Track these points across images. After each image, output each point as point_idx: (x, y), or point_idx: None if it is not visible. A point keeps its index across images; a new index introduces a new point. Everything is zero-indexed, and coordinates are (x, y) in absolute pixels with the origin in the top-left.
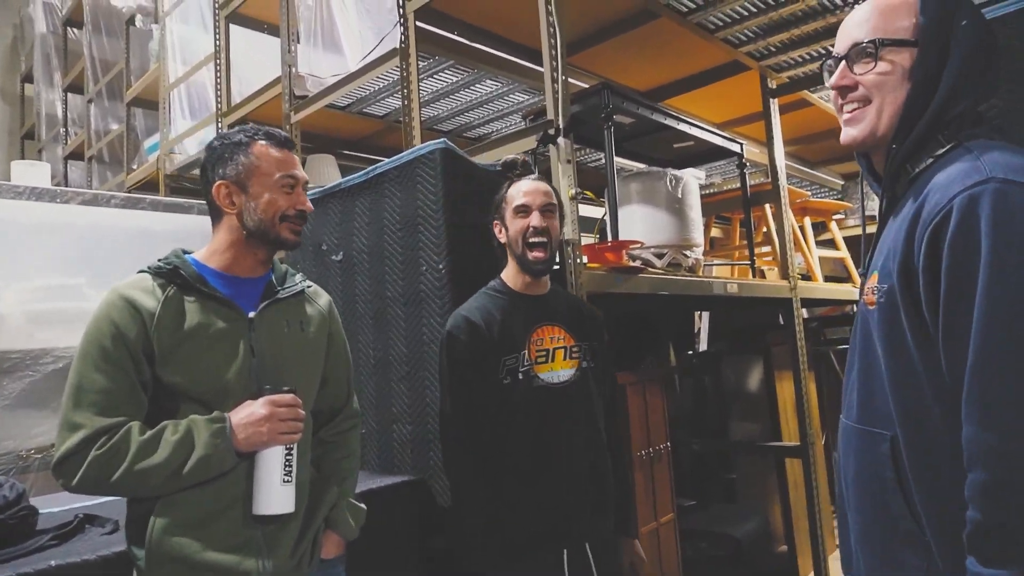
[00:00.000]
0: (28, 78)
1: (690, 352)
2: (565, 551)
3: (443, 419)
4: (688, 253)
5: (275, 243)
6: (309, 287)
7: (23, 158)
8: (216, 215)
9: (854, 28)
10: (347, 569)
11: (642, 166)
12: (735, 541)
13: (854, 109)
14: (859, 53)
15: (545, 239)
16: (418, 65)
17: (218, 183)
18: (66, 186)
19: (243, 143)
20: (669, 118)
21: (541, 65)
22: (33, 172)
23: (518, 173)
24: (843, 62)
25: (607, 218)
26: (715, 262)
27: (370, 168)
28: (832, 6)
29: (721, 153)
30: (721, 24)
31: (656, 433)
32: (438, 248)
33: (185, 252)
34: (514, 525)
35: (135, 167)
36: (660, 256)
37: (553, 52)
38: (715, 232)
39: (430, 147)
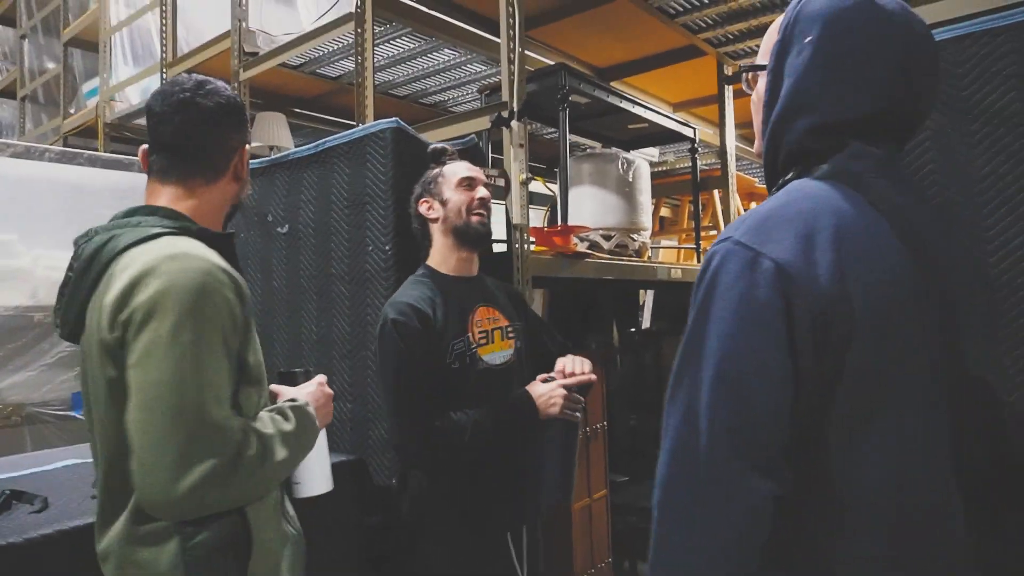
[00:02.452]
0: None
1: (633, 330)
2: (509, 534)
3: (406, 415)
4: (635, 236)
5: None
6: None
7: None
8: (199, 170)
9: None
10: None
11: (596, 145)
12: None
13: None
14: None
15: (487, 213)
16: (374, 31)
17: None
18: None
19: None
20: (624, 101)
21: (499, 38)
22: None
23: (445, 160)
24: None
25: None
26: (662, 245)
27: (320, 141)
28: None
29: (675, 136)
30: (681, 10)
31: (593, 413)
32: (385, 229)
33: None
34: (461, 509)
35: (73, 111)
36: (608, 238)
37: (511, 32)
38: (665, 212)
39: (381, 125)
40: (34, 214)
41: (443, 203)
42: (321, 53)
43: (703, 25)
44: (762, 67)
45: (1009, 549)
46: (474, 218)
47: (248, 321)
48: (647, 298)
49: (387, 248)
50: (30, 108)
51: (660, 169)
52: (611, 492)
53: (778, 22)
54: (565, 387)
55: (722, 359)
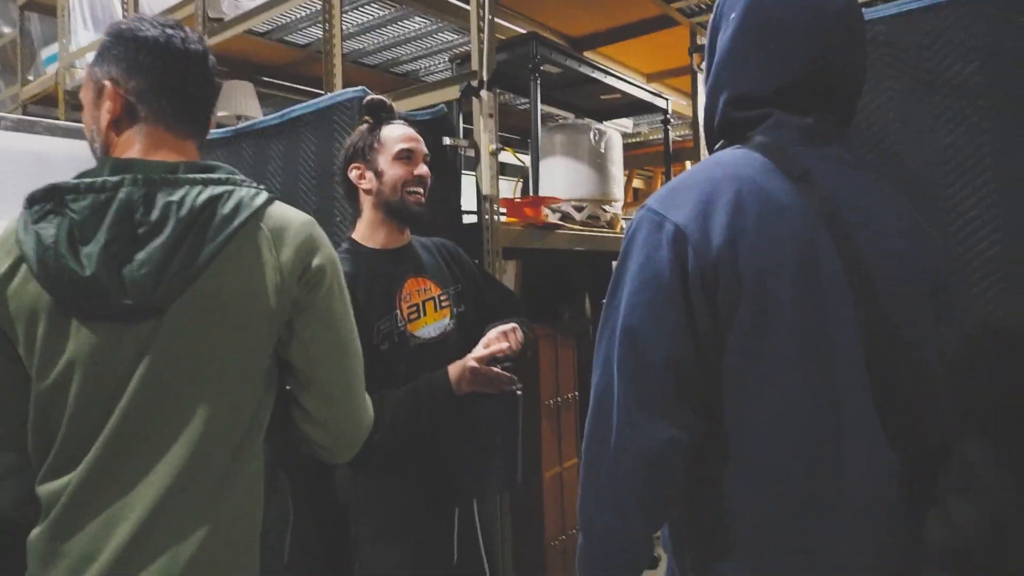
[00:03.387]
0: None
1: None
2: (456, 510)
3: None
4: (607, 208)
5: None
6: None
7: None
8: (202, 131)
9: None
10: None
11: (569, 115)
12: None
13: None
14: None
15: (424, 190)
16: None
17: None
18: None
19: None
20: (596, 71)
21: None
22: None
23: (384, 117)
24: None
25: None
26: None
27: (286, 111)
28: None
29: (648, 107)
30: None
31: (565, 383)
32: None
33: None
34: (403, 488)
35: (32, 79)
36: (579, 210)
37: (480, 1)
38: (638, 183)
39: (348, 94)
40: None
41: (377, 174)
42: (289, 20)
43: None
44: (700, 47)
45: (946, 526)
46: (410, 197)
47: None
48: None
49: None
50: None
51: (633, 141)
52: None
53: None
54: (486, 361)
55: (627, 314)
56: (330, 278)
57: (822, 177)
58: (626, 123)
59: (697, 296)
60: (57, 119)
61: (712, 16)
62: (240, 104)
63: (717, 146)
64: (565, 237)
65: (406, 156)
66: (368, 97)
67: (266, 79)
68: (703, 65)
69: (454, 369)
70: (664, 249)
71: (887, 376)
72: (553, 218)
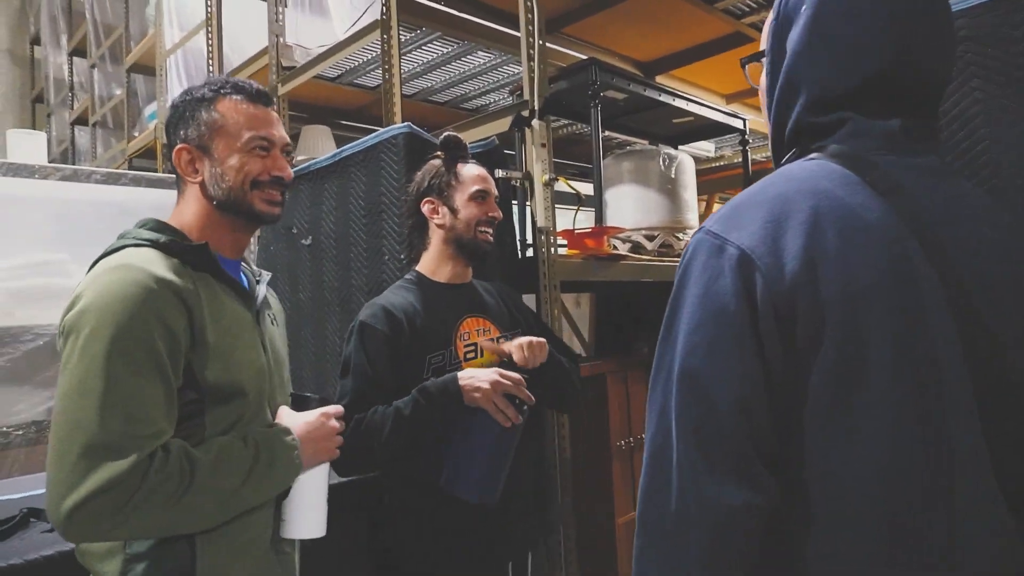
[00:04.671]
0: (36, 40)
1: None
2: (510, 564)
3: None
4: (681, 236)
5: (247, 215)
6: (269, 274)
7: (34, 122)
8: (180, 185)
9: None
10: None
11: (643, 142)
12: None
13: None
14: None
15: (492, 229)
16: (400, 37)
17: (178, 147)
18: (73, 152)
19: (206, 98)
20: (664, 94)
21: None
22: (29, 141)
23: (460, 155)
24: None
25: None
26: None
27: (339, 150)
28: None
29: (727, 128)
30: None
31: (637, 423)
32: (400, 236)
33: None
34: (453, 538)
35: (136, 134)
36: (651, 239)
37: (530, 28)
38: (719, 208)
39: (394, 131)
40: (84, 234)
41: (452, 211)
42: (355, 63)
43: (745, 9)
44: (760, 55)
45: None
46: (481, 235)
47: (202, 337)
48: None
49: (401, 256)
50: (100, 133)
51: (715, 165)
52: None
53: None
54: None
55: (686, 355)
56: (76, 331)
57: (911, 189)
58: (708, 147)
59: (769, 331)
60: (156, 170)
61: (774, 14)
62: (318, 147)
63: (786, 158)
64: (630, 268)
65: (481, 196)
66: (444, 135)
67: (342, 122)
68: (766, 72)
69: (465, 377)
70: (727, 277)
71: (999, 412)
72: (623, 248)
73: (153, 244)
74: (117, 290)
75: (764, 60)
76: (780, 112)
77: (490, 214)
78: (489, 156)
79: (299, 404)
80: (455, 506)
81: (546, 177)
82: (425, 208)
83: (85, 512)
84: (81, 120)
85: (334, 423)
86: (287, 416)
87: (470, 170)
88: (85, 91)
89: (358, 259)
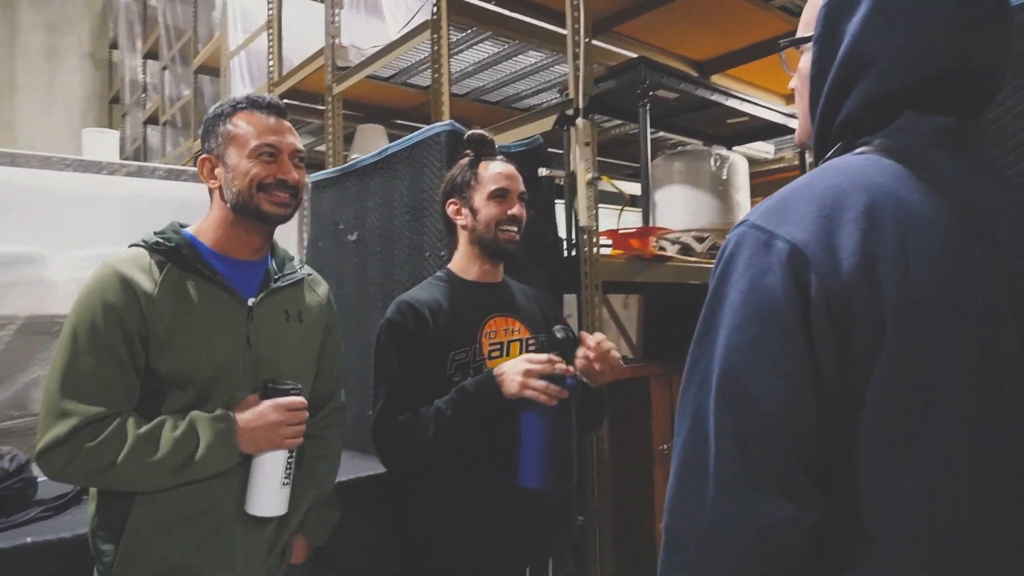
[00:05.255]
0: (115, 44)
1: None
2: (528, 568)
3: (378, 418)
4: None
5: (256, 216)
6: (309, 275)
7: (110, 121)
8: (210, 193)
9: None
10: (322, 564)
11: (697, 143)
12: None
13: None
14: (781, 56)
15: (519, 228)
16: (449, 38)
17: (201, 157)
18: (145, 150)
19: (225, 113)
20: (716, 93)
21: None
22: (102, 139)
23: (485, 152)
24: None
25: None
26: None
27: (384, 148)
28: None
29: (783, 129)
30: None
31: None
32: (440, 233)
33: (182, 226)
34: (472, 539)
35: None
36: (701, 240)
37: (576, 26)
38: None
39: (436, 129)
40: (148, 227)
41: (473, 211)
42: (407, 63)
43: (803, 6)
44: (805, 39)
45: None
46: (503, 235)
47: (155, 329)
48: None
49: (442, 253)
50: (170, 132)
51: (771, 167)
52: None
53: None
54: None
55: (727, 356)
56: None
57: (965, 188)
58: (767, 147)
59: (822, 332)
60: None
61: (826, 2)
62: (371, 145)
63: (832, 152)
64: (676, 270)
65: (501, 195)
66: (469, 132)
67: (396, 121)
68: (812, 59)
69: (499, 371)
70: (776, 273)
71: None
72: (671, 250)
73: (144, 244)
74: (87, 285)
75: (810, 46)
76: (831, 101)
77: (509, 212)
78: (533, 154)
79: (268, 392)
80: (480, 500)
81: (589, 176)
82: (450, 210)
83: (44, 459)
84: (153, 120)
85: (277, 415)
86: (243, 405)
87: (491, 168)
88: (157, 92)
89: (401, 255)
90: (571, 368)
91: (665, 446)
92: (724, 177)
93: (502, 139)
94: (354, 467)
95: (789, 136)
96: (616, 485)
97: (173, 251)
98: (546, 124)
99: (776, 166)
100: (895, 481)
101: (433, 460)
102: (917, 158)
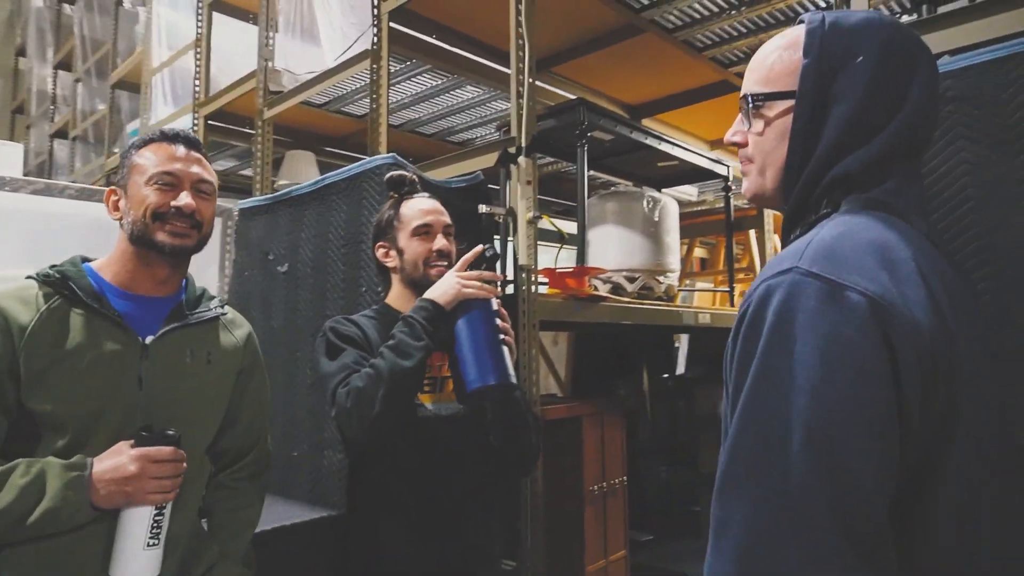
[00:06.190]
0: (22, 52)
1: (666, 375)
2: None
3: (336, 388)
4: (662, 279)
5: (152, 247)
6: (225, 314)
7: (12, 132)
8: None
9: (748, 74)
10: None
11: (627, 183)
12: None
13: (743, 164)
14: (744, 106)
15: (447, 263)
16: (389, 68)
17: (107, 190)
18: (51, 165)
19: (135, 145)
20: (650, 137)
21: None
22: (4, 152)
23: (405, 191)
24: (740, 113)
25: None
26: (696, 287)
27: (320, 178)
28: None
29: (710, 174)
30: (709, 43)
31: (612, 467)
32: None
33: (86, 260)
34: (400, 565)
35: (116, 150)
36: (632, 280)
37: (520, 66)
38: (700, 252)
39: (377, 161)
40: (54, 249)
41: (399, 252)
42: (343, 91)
43: (733, 59)
44: (785, 94)
45: None
46: (433, 271)
47: (27, 366)
48: (682, 342)
49: (379, 289)
50: (80, 147)
51: (696, 209)
52: (632, 553)
53: (787, 42)
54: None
55: (813, 420)
56: None
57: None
58: (690, 191)
59: (912, 388)
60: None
61: (810, 55)
62: (302, 173)
63: (825, 209)
64: (611, 310)
65: (424, 231)
66: (389, 173)
67: (326, 148)
68: (797, 112)
69: (435, 290)
70: (854, 326)
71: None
72: (603, 289)
73: (36, 277)
74: None
75: (787, 102)
76: (825, 158)
77: (435, 248)
78: (474, 191)
79: (141, 441)
80: (401, 538)
81: (530, 214)
82: (379, 253)
83: None
84: (61, 133)
85: (137, 467)
86: (109, 452)
87: (412, 206)
88: (67, 104)
89: (335, 289)
90: (500, 276)
91: (596, 487)
92: (656, 219)
93: (442, 174)
94: (281, 514)
95: (713, 180)
96: (549, 527)
97: (60, 283)
98: (488, 160)
99: (698, 208)
100: (956, 535)
101: (402, 395)
102: (916, 220)
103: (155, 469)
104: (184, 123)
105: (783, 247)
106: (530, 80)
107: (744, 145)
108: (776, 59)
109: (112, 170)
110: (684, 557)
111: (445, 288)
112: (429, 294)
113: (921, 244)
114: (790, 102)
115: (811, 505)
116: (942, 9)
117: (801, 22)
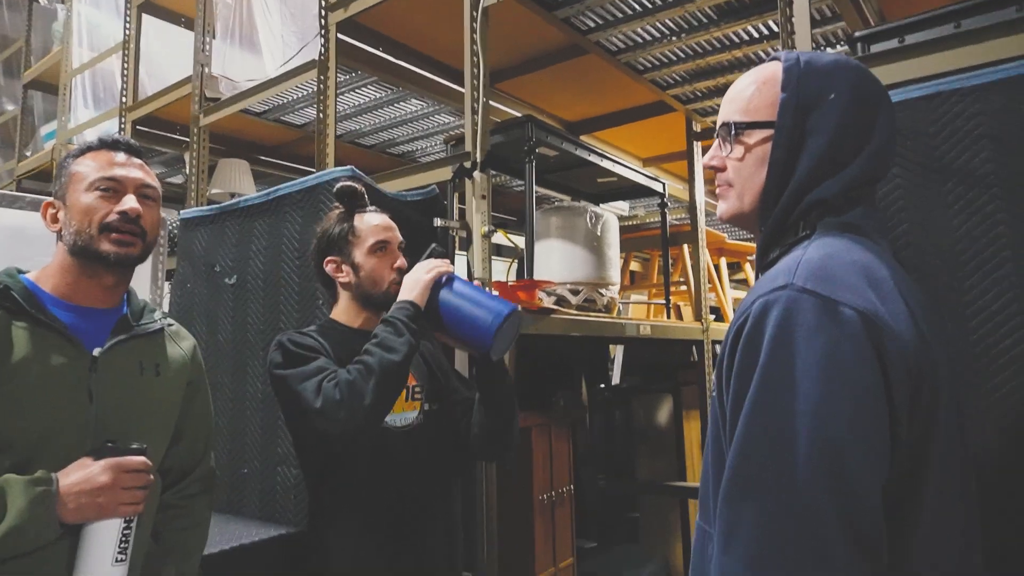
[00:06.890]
0: None
1: (603, 386)
2: None
3: (315, 389)
4: (604, 292)
5: (96, 259)
6: (171, 325)
7: None
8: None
9: (726, 104)
10: None
11: (566, 198)
12: None
13: (721, 187)
14: (724, 133)
15: (401, 278)
16: (337, 79)
17: (45, 203)
18: None
19: (72, 155)
20: (593, 155)
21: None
22: None
23: (357, 205)
24: (716, 139)
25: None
26: (631, 299)
27: (272, 189)
28: (758, 59)
29: (645, 191)
30: (649, 66)
31: (559, 476)
32: None
33: (21, 272)
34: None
35: (29, 154)
36: (575, 293)
37: (475, 83)
38: (635, 266)
39: (335, 174)
40: None
41: (355, 267)
42: (285, 101)
43: (671, 82)
44: (764, 124)
45: None
46: (393, 288)
47: None
48: (617, 353)
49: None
50: None
51: (630, 223)
52: (579, 560)
53: (764, 76)
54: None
55: (815, 432)
56: None
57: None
58: (622, 206)
59: (901, 401)
60: (50, 194)
61: (789, 91)
62: (235, 182)
63: (804, 232)
64: (560, 322)
65: (382, 247)
66: (339, 184)
67: (263, 158)
68: (775, 142)
69: (404, 293)
70: (851, 341)
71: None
72: (548, 302)
73: None
74: None
75: (765, 131)
76: (804, 183)
77: (395, 266)
78: (430, 204)
79: (105, 452)
80: (360, 551)
81: (485, 229)
82: (328, 268)
83: None
84: None
85: (108, 477)
86: (72, 467)
87: (367, 220)
88: None
89: (288, 301)
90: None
91: (544, 496)
92: (598, 233)
93: (393, 187)
94: (235, 533)
95: (645, 198)
96: (501, 536)
97: (1, 294)
98: (443, 175)
99: (632, 223)
100: (928, 540)
101: (382, 397)
102: (877, 240)
103: (127, 479)
104: (109, 127)
105: (758, 265)
106: (485, 99)
107: (722, 169)
108: (755, 92)
109: (24, 174)
110: (626, 562)
111: (412, 284)
112: (401, 297)
113: (891, 263)
114: (768, 132)
115: (818, 512)
116: (875, 48)
117: (775, 59)
